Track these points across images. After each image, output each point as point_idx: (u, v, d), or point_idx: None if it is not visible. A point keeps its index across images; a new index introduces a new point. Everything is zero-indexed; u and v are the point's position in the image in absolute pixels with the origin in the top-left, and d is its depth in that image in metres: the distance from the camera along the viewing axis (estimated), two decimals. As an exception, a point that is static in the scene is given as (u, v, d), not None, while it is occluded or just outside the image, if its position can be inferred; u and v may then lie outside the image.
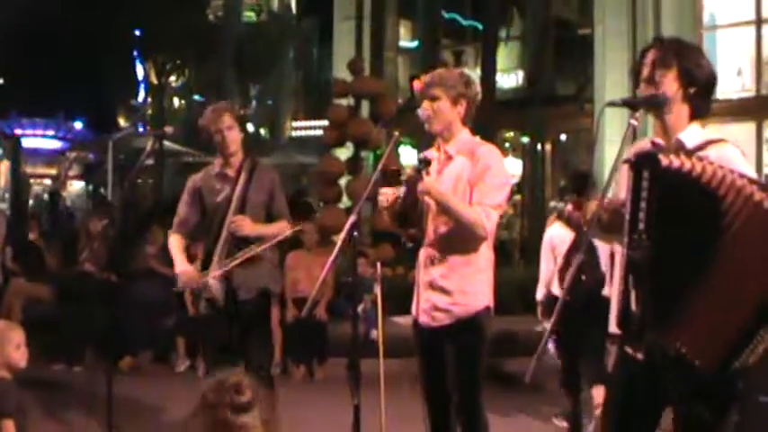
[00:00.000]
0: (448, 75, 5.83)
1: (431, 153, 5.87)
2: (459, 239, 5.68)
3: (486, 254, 5.80)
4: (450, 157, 5.71)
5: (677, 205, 3.90)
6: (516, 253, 19.98)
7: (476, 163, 5.66)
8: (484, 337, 5.78)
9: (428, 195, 5.58)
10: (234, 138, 7.28)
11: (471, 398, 5.77)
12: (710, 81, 4.34)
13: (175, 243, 7.38)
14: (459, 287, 5.71)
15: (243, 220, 7.10)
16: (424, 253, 5.82)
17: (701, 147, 4.17)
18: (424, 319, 5.83)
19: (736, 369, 3.94)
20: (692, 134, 4.26)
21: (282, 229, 7.33)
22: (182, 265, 7.24)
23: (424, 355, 5.94)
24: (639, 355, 4.13)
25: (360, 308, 10.33)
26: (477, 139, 5.95)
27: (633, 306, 3.95)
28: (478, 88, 5.87)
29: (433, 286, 5.76)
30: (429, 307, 5.78)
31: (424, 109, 5.72)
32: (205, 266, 7.22)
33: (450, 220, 5.65)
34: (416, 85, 5.90)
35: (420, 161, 5.49)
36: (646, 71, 4.29)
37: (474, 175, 5.63)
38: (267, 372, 7.77)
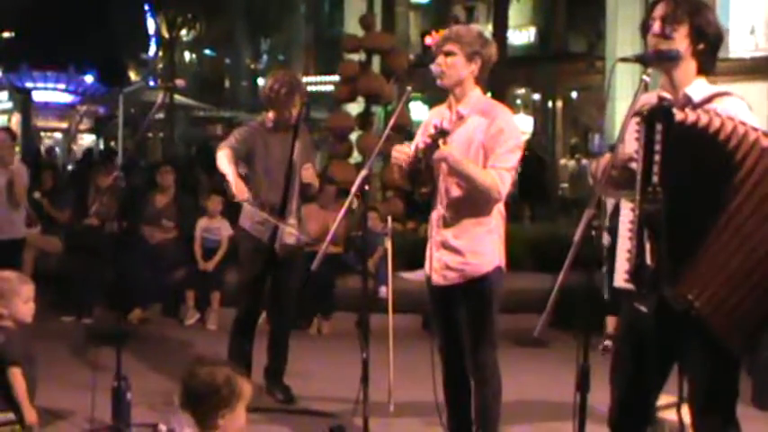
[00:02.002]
0: (465, 31, 5.79)
1: (442, 111, 5.85)
2: (472, 201, 5.68)
3: (497, 214, 5.81)
4: (461, 117, 5.69)
5: (691, 159, 3.89)
6: (526, 210, 19.93)
7: (490, 124, 5.64)
8: (495, 296, 5.79)
9: (444, 162, 5.56)
10: (296, 112, 7.66)
11: (484, 356, 5.80)
12: (718, 38, 4.36)
13: (226, 155, 7.55)
14: (470, 247, 5.72)
15: (310, 170, 7.62)
16: (435, 213, 5.83)
17: (708, 100, 4.18)
18: (435, 278, 5.84)
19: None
20: (698, 88, 4.26)
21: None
22: (233, 177, 7.41)
23: (439, 313, 5.97)
24: (649, 310, 4.12)
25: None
26: (489, 98, 5.93)
27: (648, 260, 3.93)
28: (495, 49, 5.84)
29: (445, 246, 5.77)
30: (441, 266, 5.80)
31: (438, 64, 5.71)
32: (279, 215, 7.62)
33: (463, 183, 5.64)
34: (431, 39, 5.88)
35: (438, 132, 5.44)
36: (656, 26, 4.28)
37: (488, 137, 5.62)
38: (288, 317, 8.15)
